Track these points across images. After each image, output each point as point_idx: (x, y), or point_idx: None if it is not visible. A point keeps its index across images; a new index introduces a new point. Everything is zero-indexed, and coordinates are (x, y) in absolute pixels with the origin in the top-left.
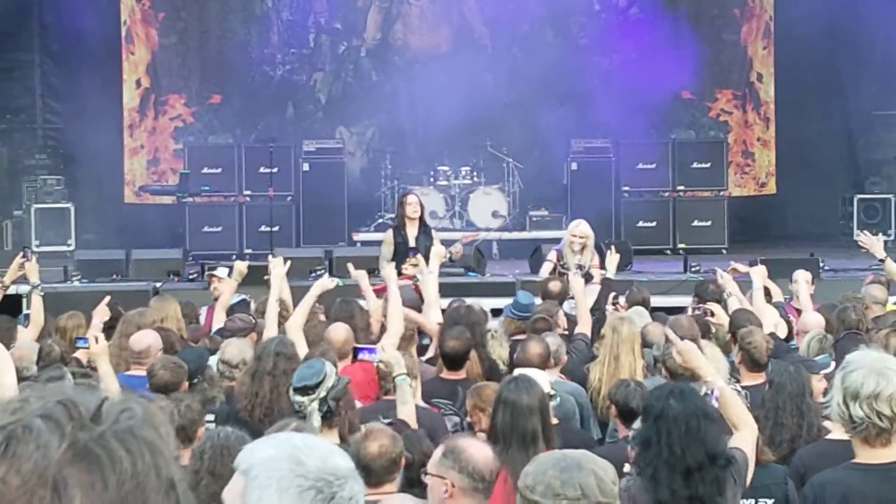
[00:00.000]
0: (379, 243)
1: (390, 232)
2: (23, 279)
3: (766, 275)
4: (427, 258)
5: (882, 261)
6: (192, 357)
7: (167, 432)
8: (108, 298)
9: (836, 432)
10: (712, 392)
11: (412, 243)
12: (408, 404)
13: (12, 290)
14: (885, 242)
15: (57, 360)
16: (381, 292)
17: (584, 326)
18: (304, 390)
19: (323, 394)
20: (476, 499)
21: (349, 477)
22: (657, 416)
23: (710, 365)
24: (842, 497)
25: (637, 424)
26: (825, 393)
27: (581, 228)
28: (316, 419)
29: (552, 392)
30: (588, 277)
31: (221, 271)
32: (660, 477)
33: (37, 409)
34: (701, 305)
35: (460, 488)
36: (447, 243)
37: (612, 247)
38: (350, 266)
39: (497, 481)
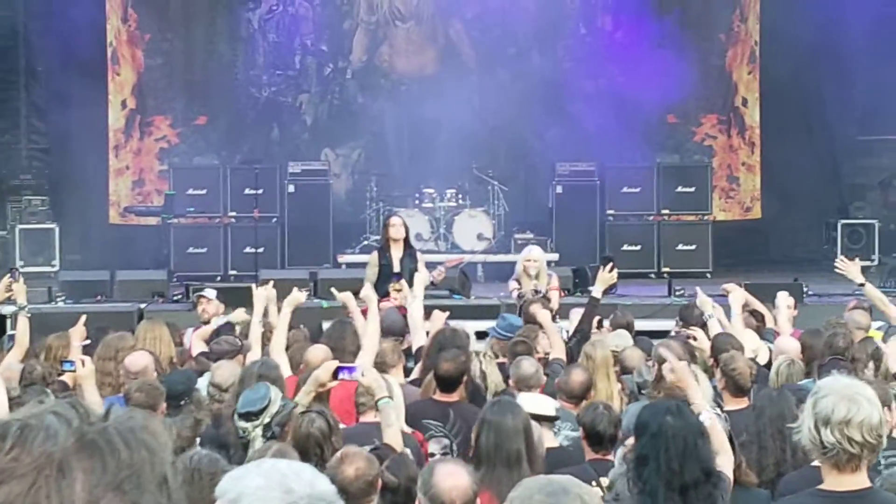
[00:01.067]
0: (364, 265)
1: (375, 254)
2: (9, 300)
3: (743, 298)
4: (411, 281)
5: (861, 285)
6: (180, 379)
7: (165, 442)
8: (84, 318)
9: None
10: (699, 415)
11: (396, 266)
12: (392, 427)
13: None
14: (869, 267)
15: (38, 380)
16: (366, 313)
17: (558, 352)
18: (248, 416)
19: (267, 420)
20: None
21: (335, 501)
22: (654, 433)
23: (698, 390)
24: None
25: (629, 442)
26: None
27: (533, 254)
28: (258, 445)
29: (556, 416)
30: (546, 301)
31: (209, 292)
32: (656, 493)
33: (50, 408)
34: (684, 329)
35: None
36: (431, 266)
37: (611, 263)
38: (333, 290)
39: None
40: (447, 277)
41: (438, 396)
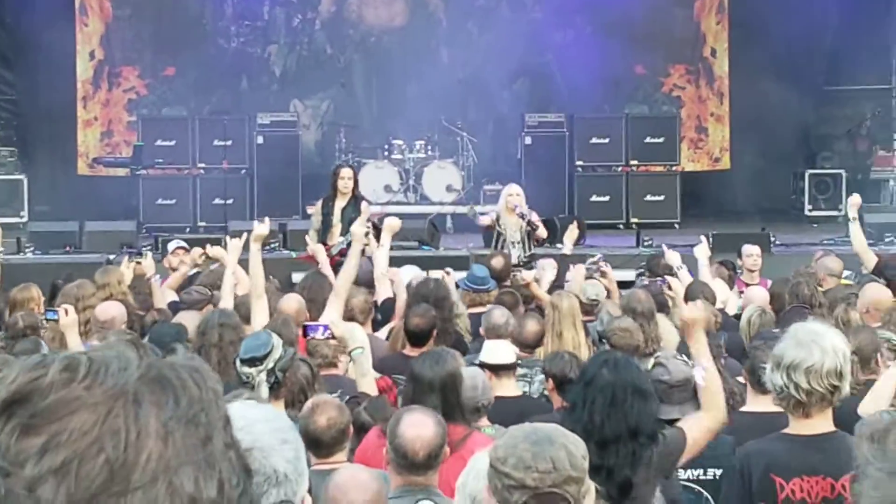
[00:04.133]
0: None
1: (320, 202)
2: None
3: (709, 252)
4: (347, 231)
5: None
6: (170, 332)
7: (220, 385)
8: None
9: (750, 405)
10: (700, 368)
11: (337, 214)
12: (367, 376)
13: None
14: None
15: (20, 334)
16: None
17: None
18: (252, 361)
19: (270, 365)
20: (401, 474)
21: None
22: (587, 382)
23: (705, 343)
24: (766, 465)
25: None
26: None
27: (514, 188)
28: (264, 390)
29: (518, 362)
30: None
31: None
32: None
33: (113, 345)
34: (654, 279)
35: (388, 459)
36: (379, 217)
37: (575, 221)
38: (308, 238)
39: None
40: (416, 228)
41: (408, 351)
